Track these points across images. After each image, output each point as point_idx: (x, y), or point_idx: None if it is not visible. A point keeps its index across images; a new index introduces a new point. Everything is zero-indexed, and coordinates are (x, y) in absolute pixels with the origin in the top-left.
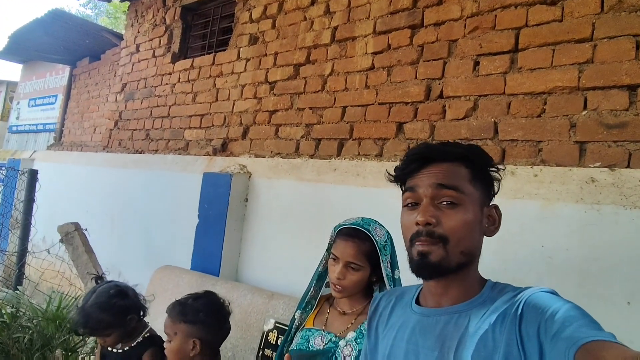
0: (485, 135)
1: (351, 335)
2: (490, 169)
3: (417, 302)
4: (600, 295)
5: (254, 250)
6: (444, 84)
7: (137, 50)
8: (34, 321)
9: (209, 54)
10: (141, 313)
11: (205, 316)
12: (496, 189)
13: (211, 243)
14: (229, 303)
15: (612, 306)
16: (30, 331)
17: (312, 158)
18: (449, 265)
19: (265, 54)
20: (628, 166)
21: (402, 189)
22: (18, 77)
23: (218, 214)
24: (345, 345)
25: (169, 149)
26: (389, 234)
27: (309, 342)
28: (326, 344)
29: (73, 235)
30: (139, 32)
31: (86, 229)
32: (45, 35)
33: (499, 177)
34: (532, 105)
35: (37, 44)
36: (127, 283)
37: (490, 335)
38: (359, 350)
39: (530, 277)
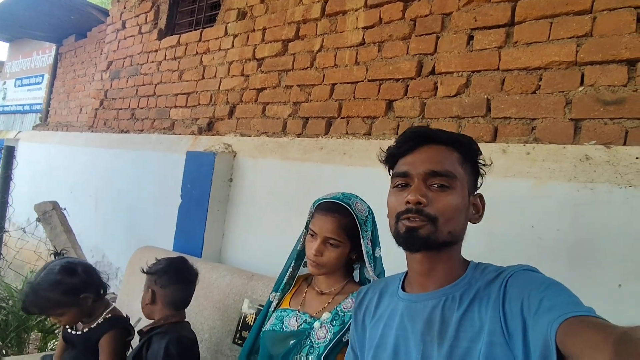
0: (477, 112)
1: (326, 316)
2: (479, 160)
3: (403, 289)
4: (591, 277)
5: (238, 232)
6: (437, 60)
7: (123, 26)
8: (10, 302)
9: (197, 30)
10: (101, 292)
11: (163, 268)
12: (479, 183)
13: (193, 224)
14: (197, 271)
15: (602, 288)
16: (5, 312)
17: (299, 137)
18: (437, 240)
19: (254, 30)
20: (625, 144)
21: (389, 172)
22: (4, 57)
23: (201, 194)
24: (320, 327)
25: (155, 129)
26: (370, 209)
27: (283, 322)
28: (300, 325)
29: (51, 214)
30: (125, 7)
31: (65, 209)
32: (28, 10)
33: (484, 172)
34: (527, 81)
35: (20, 19)
36: (87, 260)
37: (477, 315)
38: (334, 333)
39: (519, 258)
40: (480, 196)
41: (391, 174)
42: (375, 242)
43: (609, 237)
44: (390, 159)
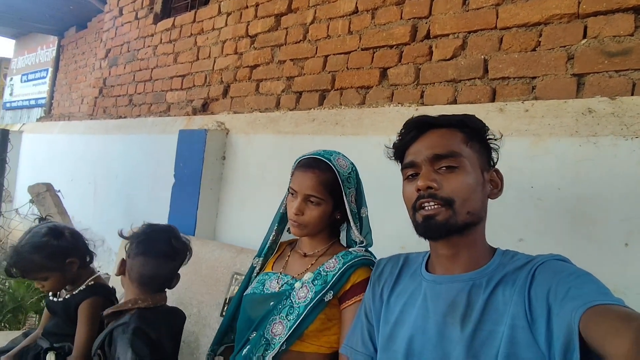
0: (474, 74)
1: (308, 276)
2: (488, 136)
3: (427, 269)
4: (596, 237)
5: (232, 210)
6: (431, 22)
7: (120, 13)
8: (6, 283)
9: (191, 11)
10: (87, 259)
11: (136, 233)
12: (495, 158)
13: (186, 203)
14: (183, 248)
15: (607, 248)
16: (1, 292)
17: (292, 111)
18: (456, 224)
19: (246, 6)
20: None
21: (401, 166)
22: (11, 54)
23: (193, 172)
24: (301, 287)
25: (151, 113)
26: (353, 166)
27: (264, 285)
28: (281, 286)
29: (45, 196)
30: None
31: (59, 191)
32: (26, 2)
33: (497, 146)
34: (527, 38)
35: (21, 12)
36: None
37: (501, 298)
38: (315, 292)
39: (518, 221)
40: (497, 170)
41: (401, 165)
42: (360, 201)
43: (614, 193)
44: (398, 153)
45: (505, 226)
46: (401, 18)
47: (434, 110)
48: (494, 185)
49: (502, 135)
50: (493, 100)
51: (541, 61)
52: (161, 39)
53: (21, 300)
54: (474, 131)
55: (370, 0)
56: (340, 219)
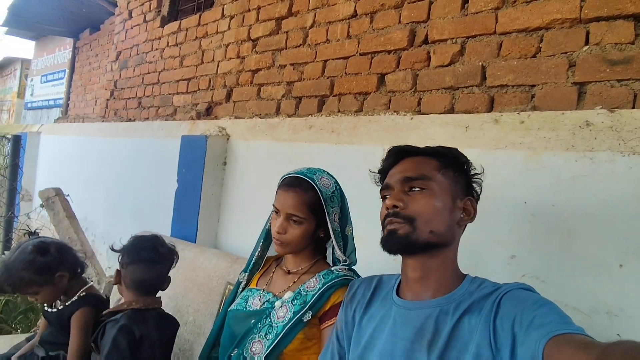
0: (471, 81)
1: (288, 295)
2: (469, 168)
3: (397, 293)
4: (590, 256)
5: (233, 216)
6: (429, 27)
7: (130, 16)
8: None
9: (196, 14)
10: (78, 270)
11: (126, 246)
12: (478, 190)
13: (188, 209)
14: (168, 253)
15: (602, 269)
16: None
17: (289, 118)
18: (417, 240)
19: (249, 9)
20: (633, 108)
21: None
22: (31, 55)
23: (194, 178)
24: (281, 307)
25: (159, 116)
26: (338, 184)
27: (247, 302)
28: (263, 304)
29: (54, 201)
30: None
31: (68, 195)
32: (41, 5)
33: (479, 180)
34: (526, 43)
35: (35, 15)
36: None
37: (467, 326)
38: (294, 312)
39: (510, 237)
40: (471, 200)
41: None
42: (344, 220)
43: (611, 211)
44: (381, 178)
45: (498, 242)
46: (399, 22)
47: (429, 120)
48: (467, 213)
49: (483, 170)
50: (491, 109)
51: (541, 68)
52: (168, 42)
53: (32, 302)
54: (449, 160)
55: (369, 3)
56: (324, 237)
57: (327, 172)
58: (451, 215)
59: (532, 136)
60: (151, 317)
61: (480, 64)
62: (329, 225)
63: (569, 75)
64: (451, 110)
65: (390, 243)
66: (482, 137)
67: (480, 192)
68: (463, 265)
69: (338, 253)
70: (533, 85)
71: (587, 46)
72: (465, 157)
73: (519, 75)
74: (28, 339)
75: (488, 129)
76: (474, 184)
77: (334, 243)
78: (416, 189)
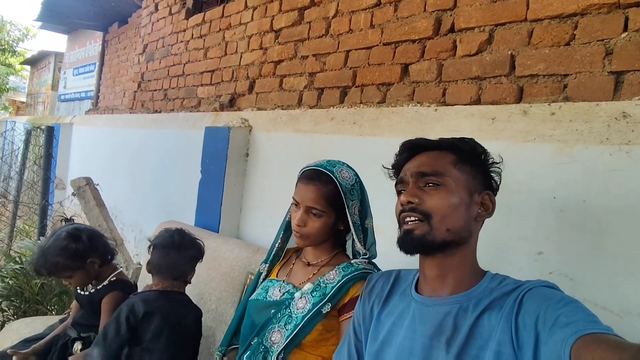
0: (499, 71)
1: (308, 287)
2: (487, 159)
3: (416, 289)
4: (624, 258)
5: (255, 207)
6: (456, 15)
7: (156, 9)
8: None
9: (220, 6)
10: (109, 257)
11: (155, 237)
12: (498, 181)
13: (211, 199)
14: (185, 241)
15: (635, 268)
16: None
17: (312, 109)
18: (434, 240)
19: (272, 0)
20: None
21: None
22: (64, 48)
23: (217, 168)
24: (300, 298)
25: (184, 107)
26: (358, 177)
27: (267, 292)
28: (283, 295)
29: (85, 190)
30: None
31: (98, 184)
32: (72, 0)
33: (498, 170)
34: (559, 31)
35: (67, 9)
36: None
37: (487, 323)
38: (313, 304)
39: (537, 233)
40: (490, 194)
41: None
42: (364, 212)
43: None
44: (395, 172)
45: (524, 238)
46: (424, 10)
47: (454, 111)
48: (485, 208)
49: (502, 159)
50: (520, 99)
51: (575, 57)
52: (192, 34)
53: (66, 286)
54: (465, 154)
55: None
56: (344, 230)
57: (347, 165)
58: (468, 211)
59: (564, 128)
60: (168, 299)
61: (509, 52)
62: (349, 218)
63: (605, 64)
64: (477, 102)
65: (407, 244)
66: (510, 129)
67: (500, 181)
68: (488, 261)
69: (358, 246)
70: (566, 75)
71: (626, 33)
72: (483, 148)
73: (551, 65)
74: (61, 321)
75: (516, 121)
76: (492, 174)
77: (354, 236)
78: (431, 184)
